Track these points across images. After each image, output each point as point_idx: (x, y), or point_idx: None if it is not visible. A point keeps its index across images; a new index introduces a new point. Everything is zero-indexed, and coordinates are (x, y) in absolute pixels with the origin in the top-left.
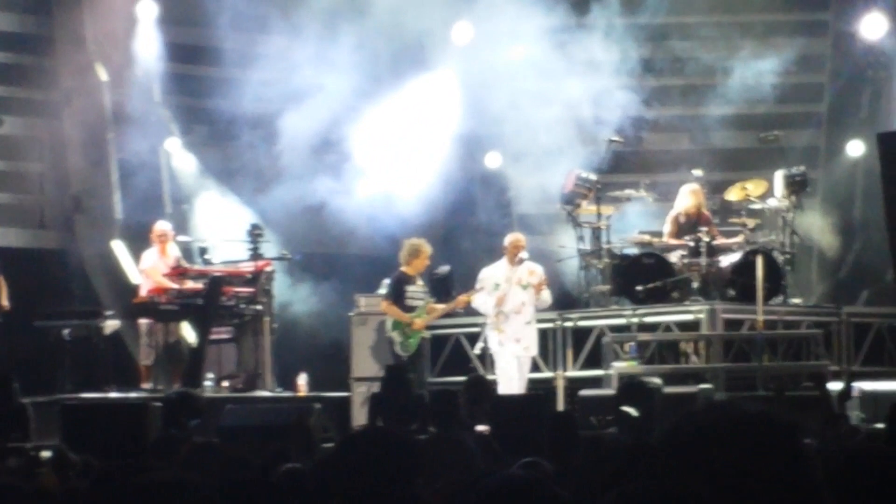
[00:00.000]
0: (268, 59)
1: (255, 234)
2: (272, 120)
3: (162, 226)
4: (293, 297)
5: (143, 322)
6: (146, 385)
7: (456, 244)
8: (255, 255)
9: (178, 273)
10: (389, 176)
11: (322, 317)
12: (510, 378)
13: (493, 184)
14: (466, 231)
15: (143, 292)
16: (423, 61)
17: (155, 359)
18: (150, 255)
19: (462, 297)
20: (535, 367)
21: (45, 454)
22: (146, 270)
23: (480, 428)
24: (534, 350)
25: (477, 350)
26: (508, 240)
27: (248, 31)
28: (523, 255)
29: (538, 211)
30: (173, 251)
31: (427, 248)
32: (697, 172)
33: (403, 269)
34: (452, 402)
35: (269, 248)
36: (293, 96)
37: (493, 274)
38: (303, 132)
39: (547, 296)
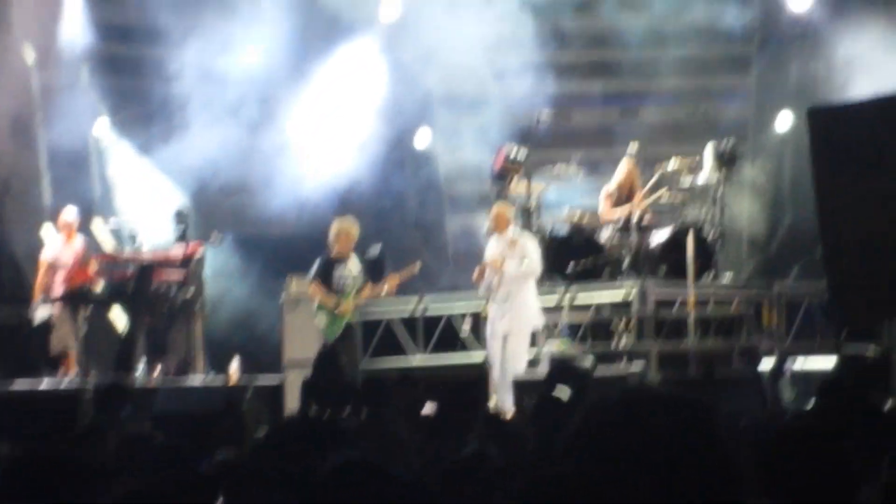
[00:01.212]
0: (195, 38)
1: (180, 219)
2: (199, 100)
3: (67, 214)
4: (224, 280)
5: (48, 311)
6: (66, 373)
7: (386, 224)
8: (183, 240)
9: (109, 259)
10: (316, 155)
11: (253, 300)
12: (494, 363)
13: (422, 162)
14: (397, 211)
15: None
16: (351, 38)
17: (63, 348)
18: (53, 245)
19: (392, 279)
20: (465, 350)
21: None
22: (41, 262)
23: (427, 410)
24: (520, 325)
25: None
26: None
27: (175, 10)
28: (485, 226)
29: (469, 189)
30: (79, 239)
31: (353, 228)
32: (634, 145)
33: (334, 251)
34: (382, 388)
35: (198, 232)
36: (220, 75)
37: (486, 251)
38: (230, 112)
39: (510, 266)
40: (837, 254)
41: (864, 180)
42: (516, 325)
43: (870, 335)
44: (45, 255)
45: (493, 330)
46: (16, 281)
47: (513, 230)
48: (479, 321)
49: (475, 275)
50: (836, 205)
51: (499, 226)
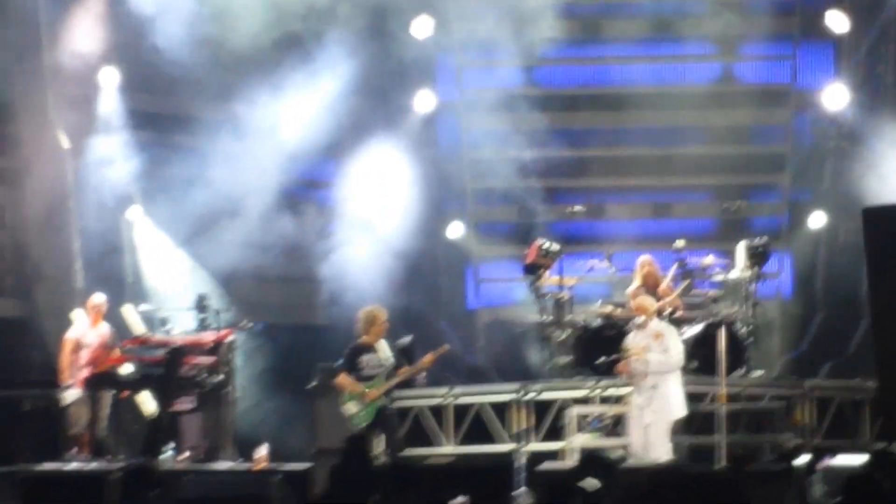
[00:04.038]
0: (228, 127)
1: (202, 305)
2: (235, 189)
3: (97, 298)
4: (256, 366)
5: (76, 394)
6: (83, 454)
7: (417, 314)
8: (204, 326)
9: (139, 342)
10: (353, 247)
11: (285, 387)
12: (634, 451)
13: (454, 253)
14: (428, 301)
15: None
16: (387, 128)
17: (80, 430)
18: (79, 326)
19: (426, 358)
20: (495, 440)
21: None
22: (65, 340)
23: (459, 500)
24: (663, 415)
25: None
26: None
27: (209, 99)
28: (637, 320)
29: (501, 281)
30: (105, 325)
31: (381, 314)
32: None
33: (363, 338)
34: (409, 474)
35: (230, 318)
36: (253, 164)
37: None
38: (263, 202)
39: (654, 357)
40: (888, 353)
41: None
42: (660, 415)
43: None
44: (71, 335)
45: (638, 419)
46: (46, 365)
47: (656, 322)
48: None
49: (619, 366)
50: (889, 305)
51: (644, 316)
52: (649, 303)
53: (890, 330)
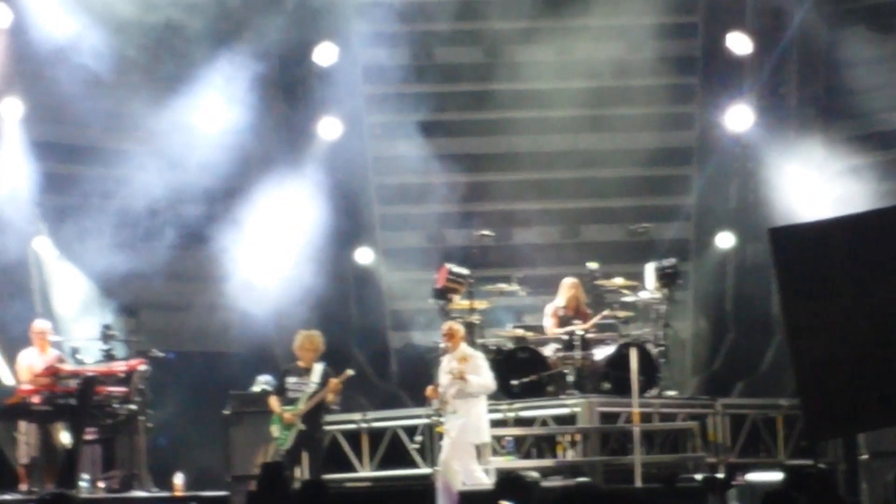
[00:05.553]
0: (135, 157)
1: (107, 335)
2: (142, 219)
3: (41, 324)
4: (168, 395)
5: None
6: (24, 486)
7: (330, 339)
8: (110, 356)
9: (51, 373)
10: (262, 274)
11: (198, 415)
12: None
13: (365, 280)
14: (340, 327)
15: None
16: (293, 158)
17: (31, 459)
18: (27, 355)
19: (333, 382)
20: (411, 464)
21: None
22: (18, 371)
23: None
24: (463, 437)
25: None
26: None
27: (115, 130)
28: (441, 344)
29: (412, 307)
30: (53, 350)
31: (307, 339)
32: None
33: (296, 362)
34: (320, 492)
35: (140, 347)
36: (162, 195)
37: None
38: (170, 228)
39: (474, 380)
40: (805, 370)
41: (824, 299)
42: (459, 438)
43: (815, 450)
44: (23, 363)
45: (445, 443)
46: None
47: (464, 347)
48: (432, 434)
49: (428, 391)
50: (802, 323)
51: (451, 342)
52: (457, 328)
53: (806, 347)
